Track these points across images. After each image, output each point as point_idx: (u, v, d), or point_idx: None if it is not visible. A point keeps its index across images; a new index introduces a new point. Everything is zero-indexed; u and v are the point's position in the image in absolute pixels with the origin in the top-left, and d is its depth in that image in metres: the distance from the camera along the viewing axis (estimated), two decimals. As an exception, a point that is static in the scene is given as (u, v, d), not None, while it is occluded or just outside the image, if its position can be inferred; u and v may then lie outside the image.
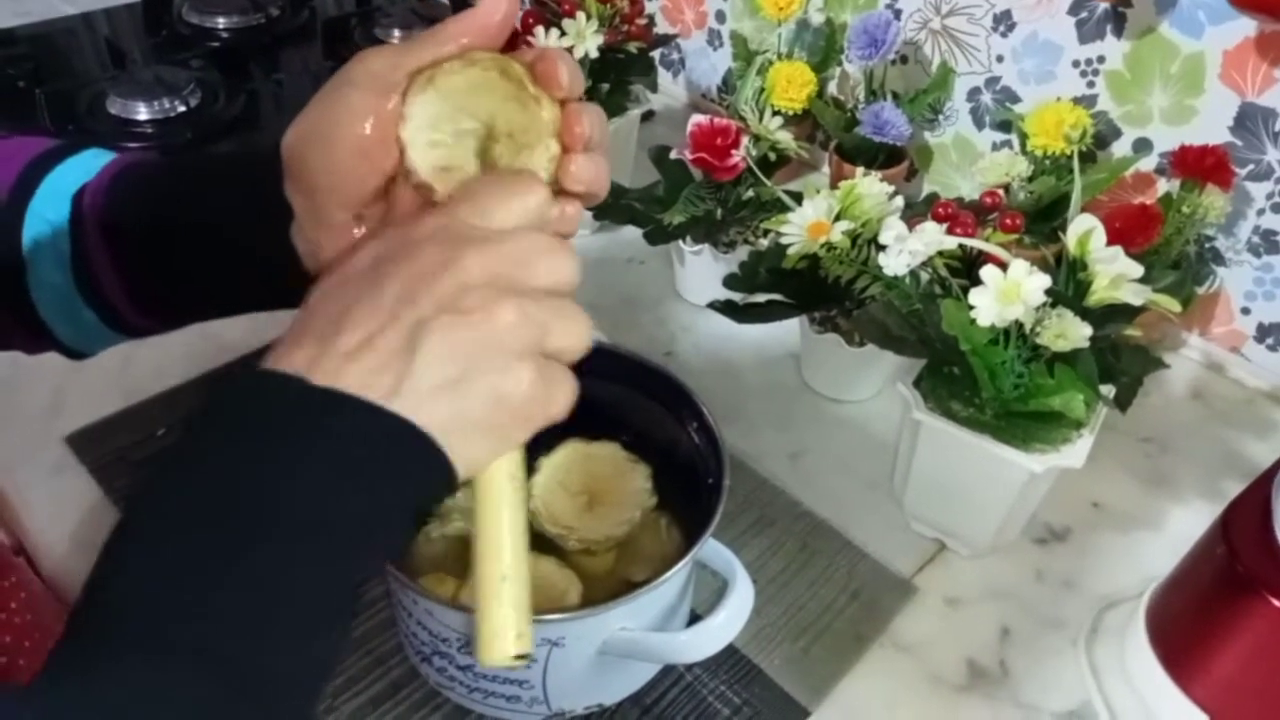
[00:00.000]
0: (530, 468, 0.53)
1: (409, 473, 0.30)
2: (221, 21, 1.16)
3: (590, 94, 0.78)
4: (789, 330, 0.74)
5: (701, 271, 0.77)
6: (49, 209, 0.44)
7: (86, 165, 0.46)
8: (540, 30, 0.74)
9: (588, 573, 0.49)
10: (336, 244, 0.37)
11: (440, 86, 0.34)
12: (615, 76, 0.79)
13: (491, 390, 0.30)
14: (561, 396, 0.32)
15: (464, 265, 0.30)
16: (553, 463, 0.53)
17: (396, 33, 1.15)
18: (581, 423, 0.55)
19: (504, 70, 0.34)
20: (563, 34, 0.74)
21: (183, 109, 0.99)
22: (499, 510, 0.32)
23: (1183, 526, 0.64)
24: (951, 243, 0.52)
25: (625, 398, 0.56)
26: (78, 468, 0.64)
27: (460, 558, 0.50)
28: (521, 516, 0.33)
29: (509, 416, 0.31)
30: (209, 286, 0.45)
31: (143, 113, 0.98)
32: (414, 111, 0.34)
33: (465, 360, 0.30)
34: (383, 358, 0.29)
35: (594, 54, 0.75)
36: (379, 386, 0.29)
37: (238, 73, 1.10)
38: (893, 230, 0.52)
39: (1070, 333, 0.48)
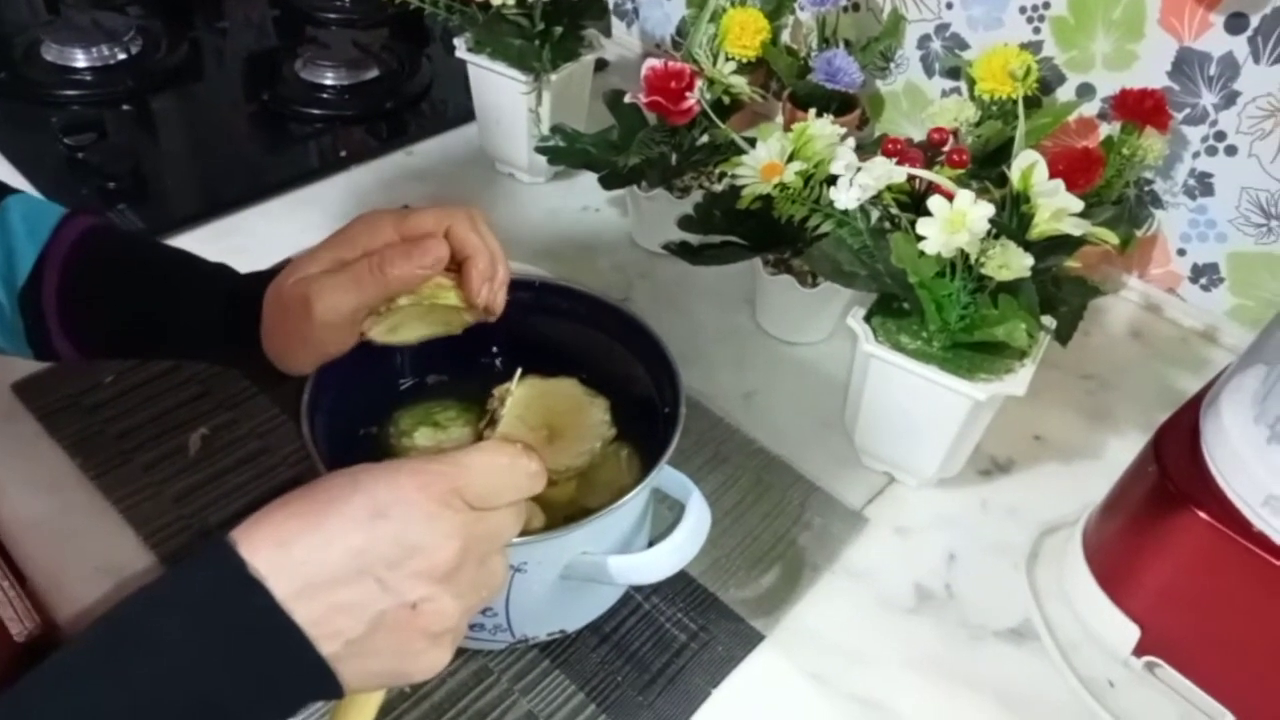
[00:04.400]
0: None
1: (308, 693, 0.35)
2: (161, -33, 1.13)
3: (542, 38, 0.78)
4: (744, 275, 0.75)
5: (656, 217, 0.77)
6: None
7: (36, 216, 0.51)
8: (492, -28, 0.74)
9: (550, 502, 0.50)
10: (300, 366, 0.49)
11: (399, 311, 0.48)
12: (568, 20, 0.79)
13: (409, 665, 0.36)
14: (456, 642, 0.38)
15: (440, 566, 0.35)
16: (512, 398, 0.54)
17: (342, -17, 1.12)
18: (539, 360, 0.56)
19: (440, 286, 0.48)
20: (514, -25, 0.74)
21: (123, 56, 0.96)
22: (370, 697, 0.39)
23: (1120, 456, 0.66)
24: (901, 175, 0.53)
25: (582, 335, 0.57)
26: (26, 415, 0.63)
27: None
28: (380, 695, 0.40)
29: (411, 677, 0.37)
30: (154, 355, 0.59)
31: (80, 60, 0.95)
32: (376, 319, 0.48)
33: (403, 642, 0.35)
34: (353, 624, 0.34)
35: (546, -3, 0.74)
36: (328, 642, 0.34)
37: (180, 20, 1.07)
38: (843, 159, 0.53)
39: (1013, 263, 0.50)
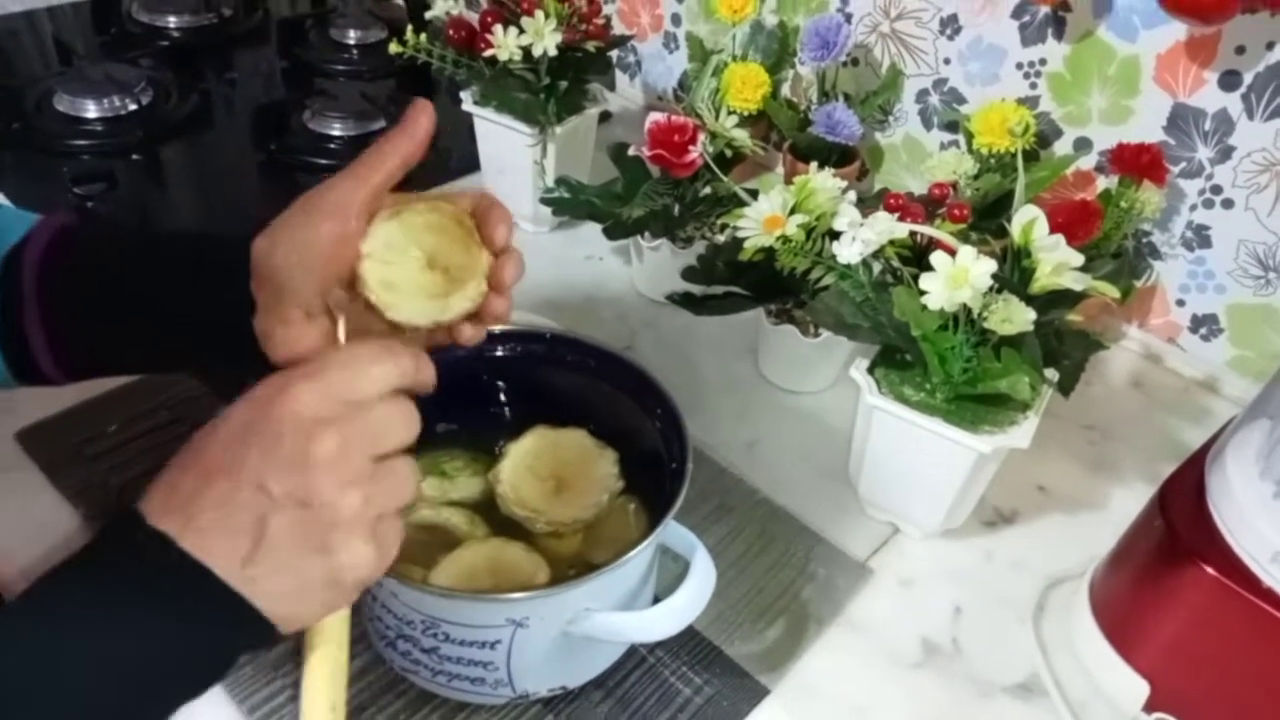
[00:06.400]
0: (498, 453, 0.54)
1: (236, 636, 0.35)
2: (173, 20, 1.15)
3: (548, 92, 0.79)
4: (746, 325, 0.75)
5: (660, 267, 0.78)
6: None
7: (5, 224, 0.48)
8: (499, 29, 0.75)
9: (555, 555, 0.50)
10: (287, 335, 0.42)
11: (403, 220, 0.42)
12: (573, 74, 0.80)
13: (329, 568, 0.35)
14: (392, 549, 0.37)
15: (316, 455, 0.34)
16: (521, 448, 0.54)
17: (352, 34, 1.15)
18: (549, 411, 0.56)
19: (459, 220, 0.43)
20: (521, 32, 0.75)
21: (134, 107, 0.98)
22: (328, 647, 0.38)
23: (1125, 507, 0.66)
24: (903, 230, 0.54)
25: (590, 387, 0.57)
26: (29, 465, 0.63)
27: (425, 545, 0.50)
28: (346, 652, 0.39)
29: (345, 585, 0.36)
30: (147, 357, 0.50)
31: (92, 111, 0.96)
32: (376, 232, 0.42)
33: (307, 545, 0.34)
34: (235, 540, 0.34)
35: (552, 52, 0.75)
36: (230, 556, 0.34)
37: (190, 72, 1.09)
38: (846, 216, 0.54)
39: (1015, 317, 0.50)
